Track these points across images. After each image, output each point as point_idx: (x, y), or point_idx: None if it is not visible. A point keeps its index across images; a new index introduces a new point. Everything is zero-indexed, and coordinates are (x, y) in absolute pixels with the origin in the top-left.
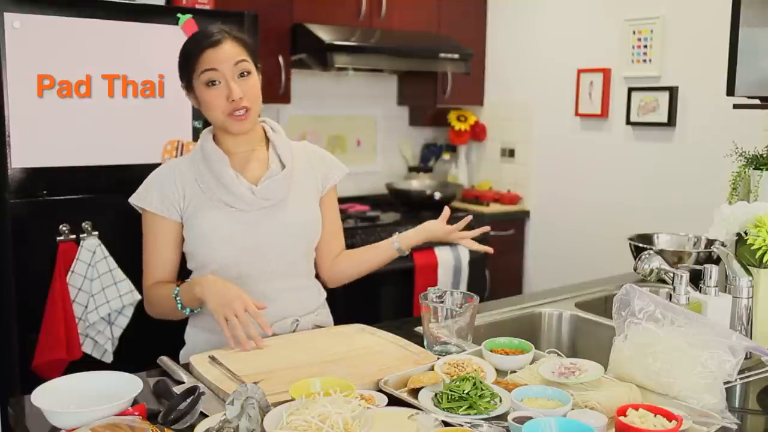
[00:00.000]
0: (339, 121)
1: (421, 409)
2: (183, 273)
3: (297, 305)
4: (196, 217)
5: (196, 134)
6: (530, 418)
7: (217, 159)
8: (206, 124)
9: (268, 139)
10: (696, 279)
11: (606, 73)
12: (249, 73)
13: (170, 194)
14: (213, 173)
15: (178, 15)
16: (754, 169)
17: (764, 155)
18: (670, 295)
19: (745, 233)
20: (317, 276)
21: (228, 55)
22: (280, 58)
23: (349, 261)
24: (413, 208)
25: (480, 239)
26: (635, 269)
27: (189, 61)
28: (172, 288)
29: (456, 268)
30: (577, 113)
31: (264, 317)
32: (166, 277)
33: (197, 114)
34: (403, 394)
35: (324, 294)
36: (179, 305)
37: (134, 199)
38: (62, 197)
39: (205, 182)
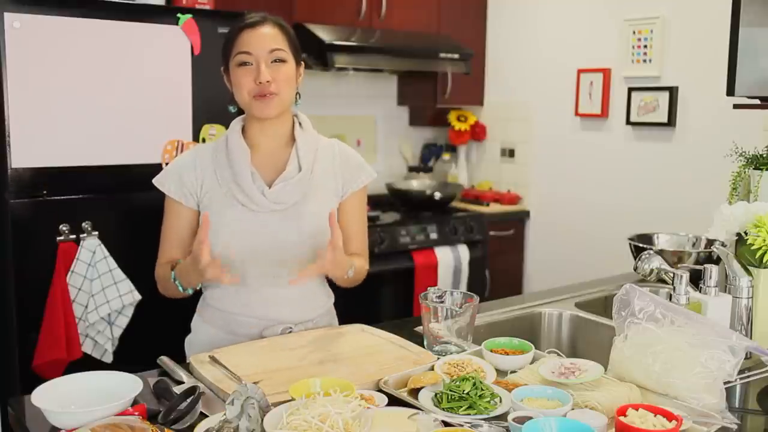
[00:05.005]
0: (339, 121)
1: (421, 409)
2: None
3: (295, 313)
4: (210, 210)
5: (230, 119)
6: (530, 418)
7: (239, 153)
8: (241, 111)
9: (295, 138)
10: (696, 279)
11: (606, 73)
12: (284, 61)
13: (189, 183)
14: (231, 168)
15: (178, 15)
16: (754, 169)
17: (764, 155)
18: (670, 295)
19: (745, 233)
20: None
21: (264, 39)
22: None
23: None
24: (413, 208)
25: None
26: (635, 269)
27: (227, 43)
28: (170, 272)
29: (456, 268)
30: (577, 113)
31: (262, 325)
32: (179, 257)
33: (233, 99)
34: (403, 394)
35: (331, 299)
36: (180, 288)
37: (156, 181)
38: (62, 197)
39: (223, 176)
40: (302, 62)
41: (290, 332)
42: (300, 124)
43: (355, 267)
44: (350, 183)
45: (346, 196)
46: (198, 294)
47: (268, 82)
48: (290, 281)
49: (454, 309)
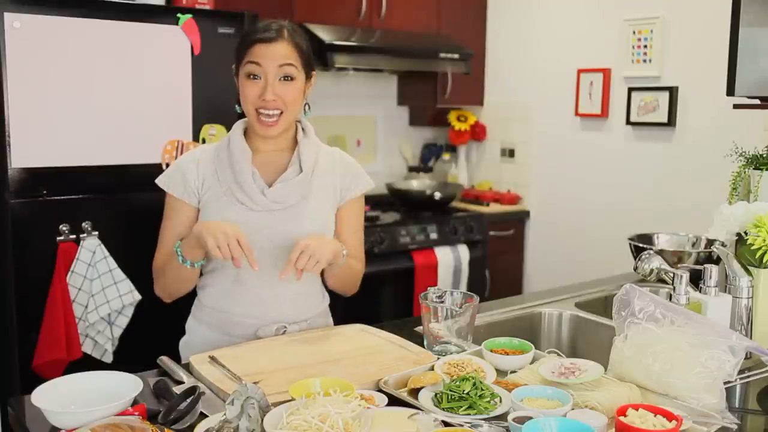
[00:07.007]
0: (339, 121)
1: (421, 409)
2: None
3: (291, 312)
4: (209, 208)
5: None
6: (530, 418)
7: (240, 154)
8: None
9: (297, 142)
10: (696, 279)
11: (606, 73)
12: (293, 78)
13: (191, 181)
14: (232, 167)
15: (178, 15)
16: (754, 169)
17: (764, 155)
18: (670, 295)
19: (745, 233)
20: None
21: (276, 55)
22: None
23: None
24: (413, 208)
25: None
26: (635, 269)
27: (240, 49)
28: (175, 254)
29: (456, 268)
30: (577, 113)
31: (256, 324)
32: None
33: (239, 99)
34: (403, 394)
35: (327, 301)
36: (180, 258)
37: (160, 181)
38: (62, 197)
39: (224, 175)
40: (314, 72)
41: (284, 332)
42: (303, 129)
43: (347, 257)
44: (349, 189)
45: (344, 202)
46: (193, 295)
47: (273, 99)
48: (280, 275)
49: (454, 309)
